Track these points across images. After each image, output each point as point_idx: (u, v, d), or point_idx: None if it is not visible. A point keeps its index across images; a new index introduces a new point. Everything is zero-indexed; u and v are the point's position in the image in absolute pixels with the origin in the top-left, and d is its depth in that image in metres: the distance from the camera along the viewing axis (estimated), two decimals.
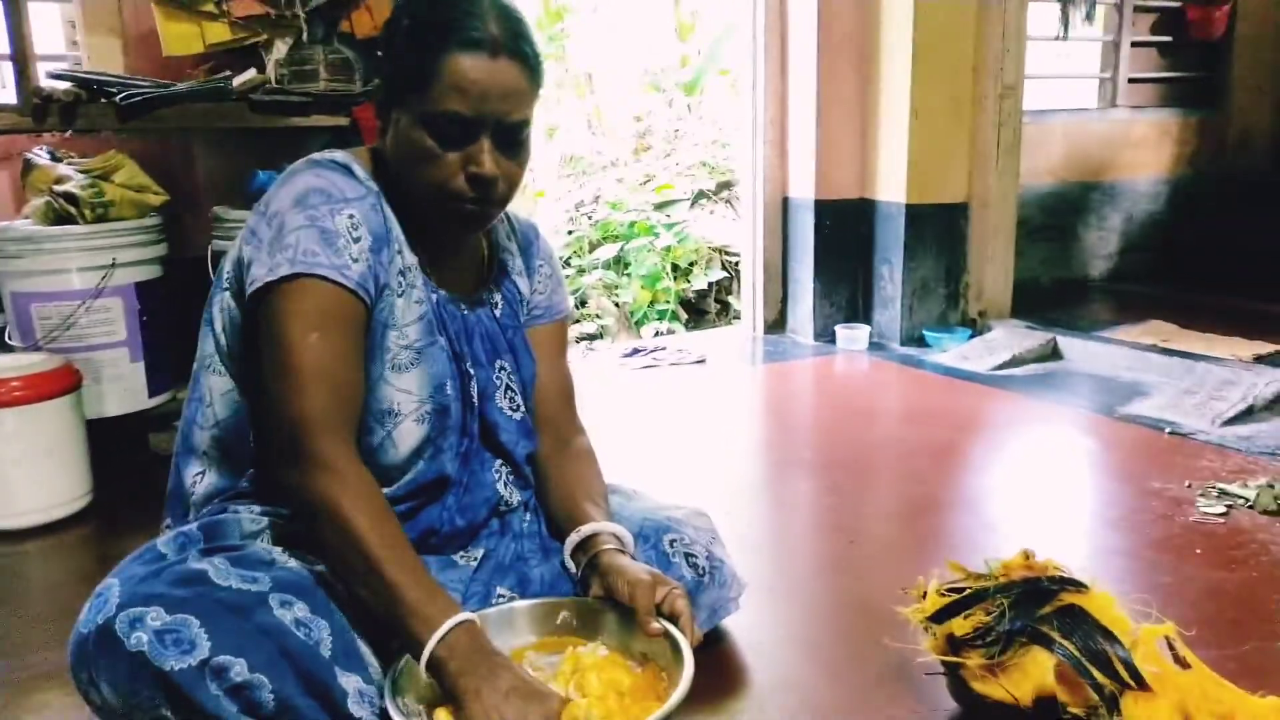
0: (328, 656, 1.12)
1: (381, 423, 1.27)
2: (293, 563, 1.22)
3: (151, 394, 2.50)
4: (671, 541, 1.44)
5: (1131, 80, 4.62)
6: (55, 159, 2.45)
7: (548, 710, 1.08)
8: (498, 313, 1.42)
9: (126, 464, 2.43)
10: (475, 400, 1.35)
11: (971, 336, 3.62)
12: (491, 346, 1.39)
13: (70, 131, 2.55)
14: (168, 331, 2.55)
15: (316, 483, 1.13)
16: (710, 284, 5.01)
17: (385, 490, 1.29)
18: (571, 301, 1.53)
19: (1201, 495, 2.12)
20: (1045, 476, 2.39)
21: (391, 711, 1.08)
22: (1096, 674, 1.17)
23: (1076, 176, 4.52)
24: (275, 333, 1.16)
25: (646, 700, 1.15)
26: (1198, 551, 1.85)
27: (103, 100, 2.33)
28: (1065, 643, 1.19)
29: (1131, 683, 1.16)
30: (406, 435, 1.28)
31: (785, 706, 1.37)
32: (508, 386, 1.41)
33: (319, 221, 1.18)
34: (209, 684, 1.06)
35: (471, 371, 1.35)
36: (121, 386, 2.43)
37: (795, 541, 2.05)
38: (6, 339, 2.38)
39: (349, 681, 1.13)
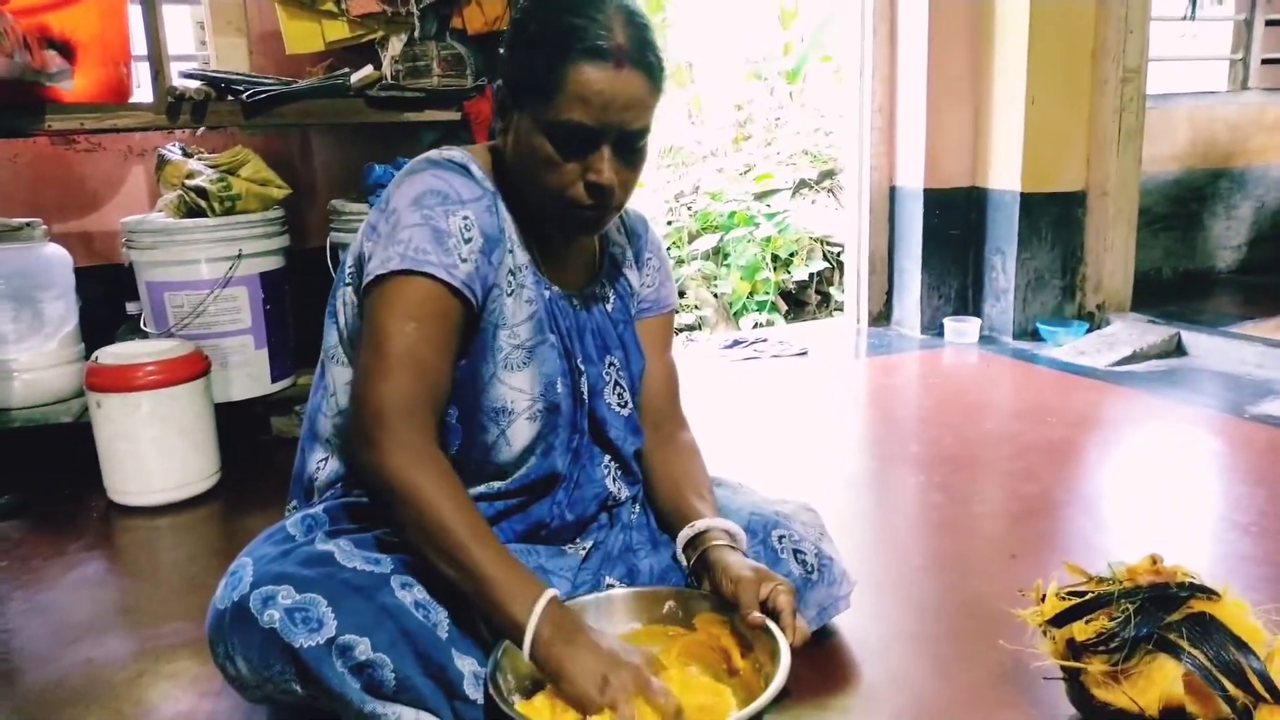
0: (445, 639, 1.16)
1: (496, 421, 1.29)
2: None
3: (274, 379, 2.61)
4: (780, 537, 1.44)
5: (1265, 61, 4.36)
6: (186, 154, 2.57)
7: (643, 677, 1.10)
8: (609, 308, 1.43)
9: (251, 447, 2.55)
10: (585, 396, 1.37)
11: (1088, 330, 3.49)
12: (602, 342, 1.41)
13: (201, 129, 2.68)
14: (289, 320, 2.66)
15: (395, 464, 1.13)
16: (811, 275, 4.95)
17: (498, 485, 1.33)
18: (676, 294, 1.53)
19: None
20: (1169, 478, 2.29)
21: (493, 692, 1.11)
22: (1228, 685, 1.12)
23: (1203, 163, 4.30)
24: (374, 321, 1.19)
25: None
26: None
27: (230, 98, 2.43)
28: (1195, 652, 1.14)
29: (1266, 695, 1.11)
30: (520, 433, 1.30)
31: (895, 704, 1.35)
32: (616, 382, 1.42)
33: (433, 221, 1.20)
34: (335, 661, 1.10)
35: (582, 368, 1.36)
36: (246, 372, 2.54)
37: (904, 538, 2.01)
38: (142, 326, 2.52)
39: (465, 664, 1.16)
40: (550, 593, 1.13)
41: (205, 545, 2.03)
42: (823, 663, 1.45)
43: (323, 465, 1.38)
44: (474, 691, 1.15)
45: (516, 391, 1.29)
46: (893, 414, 3.00)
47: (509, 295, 1.29)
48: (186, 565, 1.95)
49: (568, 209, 1.23)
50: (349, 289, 1.34)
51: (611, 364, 1.41)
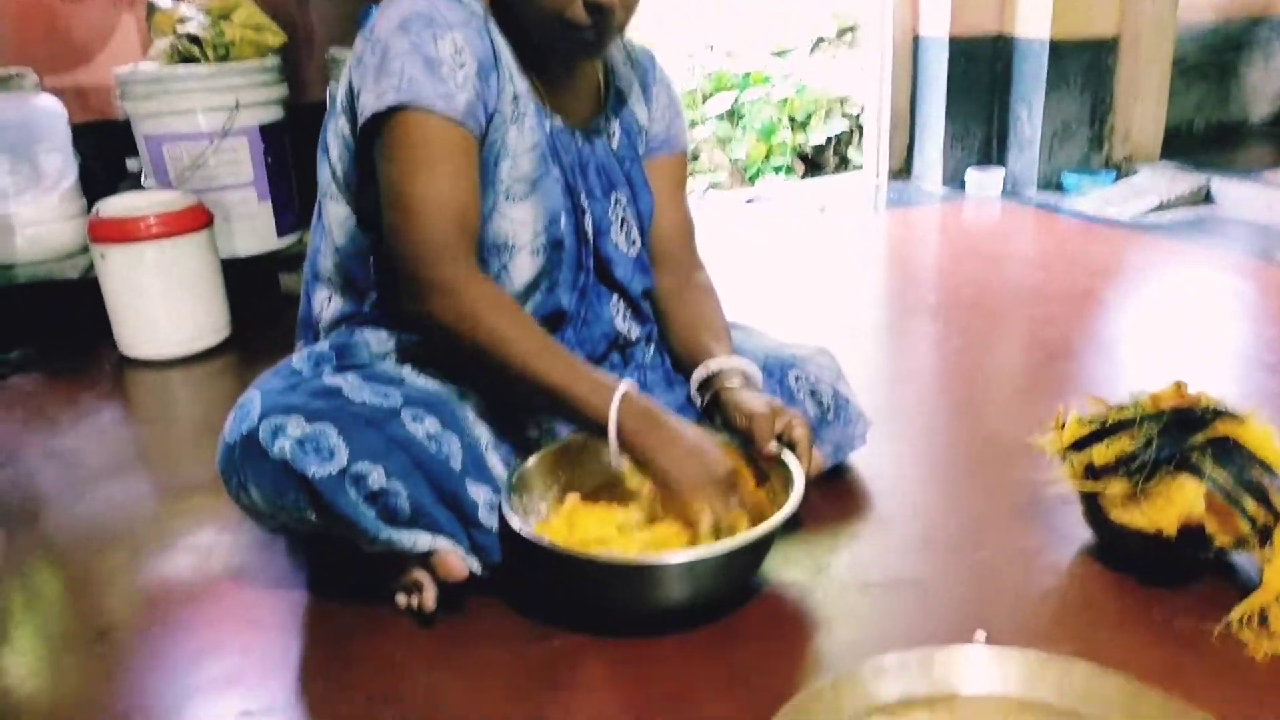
0: (458, 470, 1.15)
1: (497, 255, 1.26)
2: (420, 380, 1.24)
3: (280, 234, 2.57)
4: (796, 378, 1.42)
5: None
6: (176, 0, 2.46)
7: (728, 465, 1.14)
8: (614, 143, 1.37)
9: (260, 303, 2.53)
10: (589, 234, 1.32)
11: (1115, 180, 3.38)
12: (607, 179, 1.35)
13: None
14: (292, 175, 2.60)
15: (446, 306, 1.14)
16: (829, 138, 4.79)
17: None
18: (688, 134, 1.47)
19: None
20: (1194, 321, 2.24)
21: (505, 510, 1.12)
22: (1249, 504, 1.11)
23: (1243, 11, 4.08)
24: (386, 171, 1.16)
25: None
26: None
27: None
28: (1217, 472, 1.12)
29: None
30: (522, 268, 1.27)
31: (910, 533, 1.35)
32: (624, 220, 1.37)
33: (422, 49, 1.14)
34: (349, 490, 1.09)
35: (585, 205, 1.31)
36: (250, 226, 2.50)
37: (922, 382, 1.99)
38: (143, 182, 2.47)
39: (479, 493, 1.16)
40: (626, 383, 1.16)
41: (217, 395, 2.03)
42: (837, 496, 1.44)
43: (326, 304, 1.35)
44: (489, 518, 1.16)
45: (518, 225, 1.25)
46: (912, 266, 2.94)
47: (512, 123, 1.23)
48: (199, 414, 1.96)
49: (565, 30, 1.16)
50: (341, 120, 1.28)
51: (617, 201, 1.36)
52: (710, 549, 1.07)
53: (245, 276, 2.48)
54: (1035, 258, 2.84)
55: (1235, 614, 1.08)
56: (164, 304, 2.12)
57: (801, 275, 2.76)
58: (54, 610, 1.28)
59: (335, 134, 1.29)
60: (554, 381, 1.14)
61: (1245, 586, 1.13)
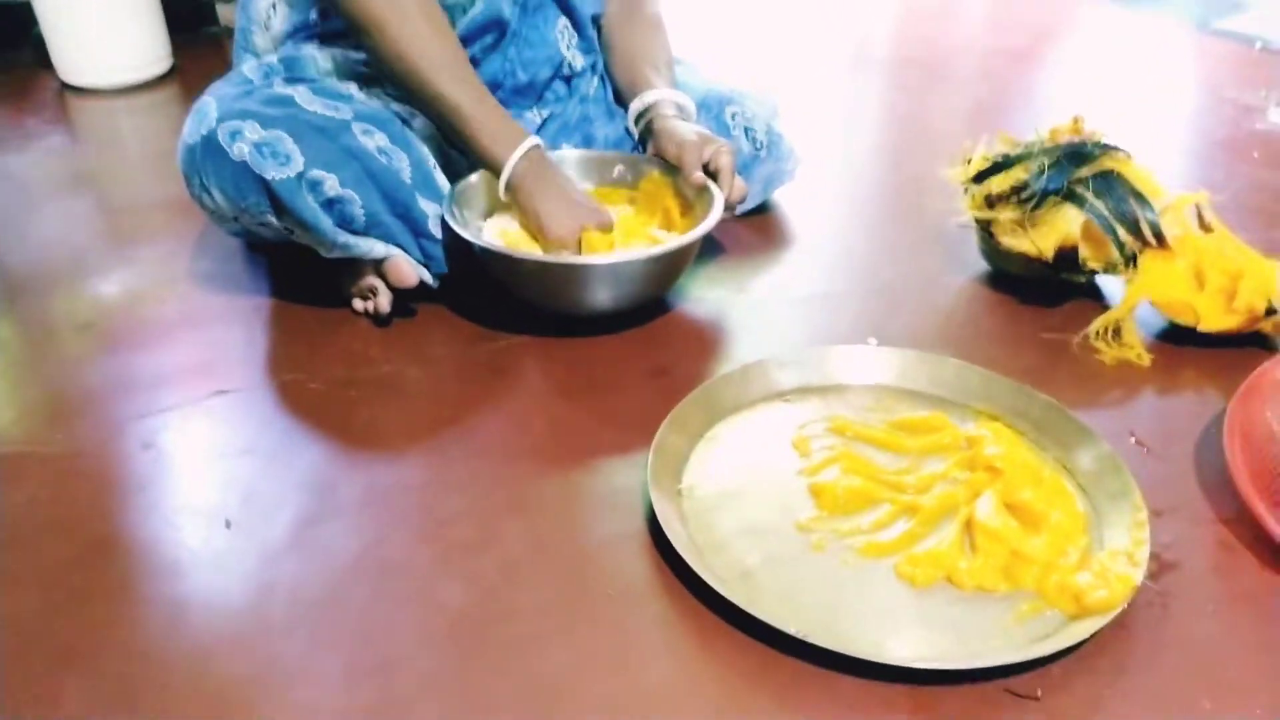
0: (408, 183, 1.21)
1: None
2: (367, 98, 1.29)
3: None
4: (733, 114, 1.48)
5: None
6: None
7: (605, 221, 1.22)
8: None
9: (198, 37, 2.48)
10: None
11: None
12: None
13: None
14: None
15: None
16: None
17: None
18: None
19: (1277, 105, 2.07)
20: (1122, 81, 2.32)
21: (448, 218, 1.21)
22: (1122, 232, 1.24)
23: None
24: None
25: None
26: (1255, 155, 1.85)
27: None
28: (1097, 202, 1.25)
29: (1153, 242, 1.23)
30: None
31: (825, 259, 1.48)
32: None
33: None
34: (305, 195, 1.15)
35: None
36: None
37: (856, 128, 2.07)
38: None
39: (428, 206, 1.23)
40: (535, 139, 1.21)
41: (164, 123, 2.04)
42: (762, 228, 1.56)
43: (273, 12, 1.36)
44: (438, 231, 1.24)
45: None
46: (860, 20, 2.94)
47: None
48: (148, 138, 1.98)
49: None
50: None
51: None
52: (632, 252, 1.19)
53: (182, 10, 2.41)
54: (984, 18, 2.86)
55: (1094, 326, 1.24)
56: (100, 28, 2.08)
57: (751, 20, 2.76)
58: (27, 312, 1.37)
59: None
60: (463, 109, 1.20)
61: (1108, 307, 1.29)
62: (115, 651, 0.79)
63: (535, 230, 1.24)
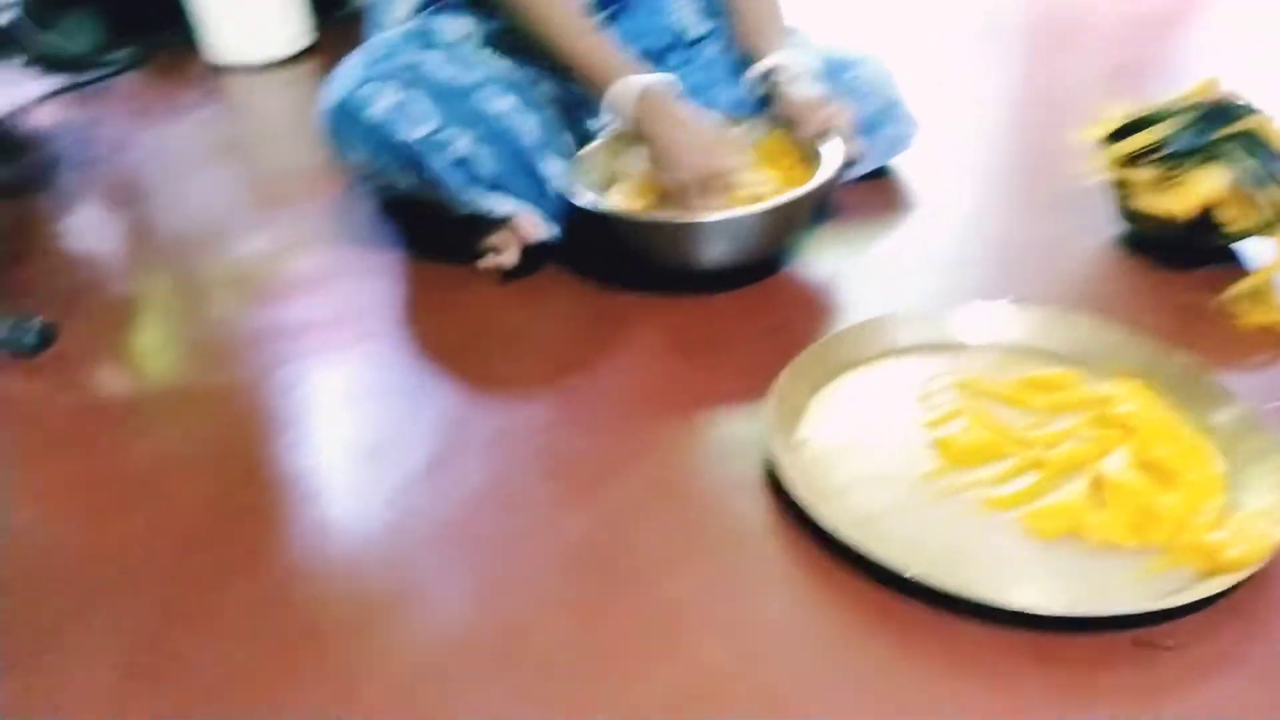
0: (535, 144, 1.25)
1: None
2: (502, 62, 1.33)
3: None
4: (852, 79, 1.47)
5: None
6: None
7: (727, 165, 1.22)
8: None
9: (334, 19, 2.58)
10: None
11: None
12: None
13: None
14: None
15: None
16: None
17: None
18: None
19: None
20: (1268, 48, 2.19)
21: (567, 184, 1.25)
22: (1272, 191, 1.18)
23: None
24: None
25: None
26: None
27: None
28: (1245, 160, 1.19)
29: None
30: None
31: (947, 224, 1.45)
32: None
33: None
34: (437, 154, 1.21)
35: None
36: None
37: (986, 95, 2.01)
38: None
39: (554, 166, 1.27)
40: (658, 75, 1.23)
41: (305, 95, 2.10)
42: (879, 192, 1.54)
43: None
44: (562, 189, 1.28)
45: None
46: None
47: None
48: (289, 110, 2.09)
49: None
50: None
51: None
52: (745, 209, 1.19)
53: None
54: None
55: (1235, 289, 1.19)
56: (248, 8, 2.21)
57: None
58: (183, 269, 1.47)
59: None
60: (587, 54, 1.23)
61: (1244, 271, 1.22)
62: (272, 563, 0.86)
63: (664, 164, 1.24)
